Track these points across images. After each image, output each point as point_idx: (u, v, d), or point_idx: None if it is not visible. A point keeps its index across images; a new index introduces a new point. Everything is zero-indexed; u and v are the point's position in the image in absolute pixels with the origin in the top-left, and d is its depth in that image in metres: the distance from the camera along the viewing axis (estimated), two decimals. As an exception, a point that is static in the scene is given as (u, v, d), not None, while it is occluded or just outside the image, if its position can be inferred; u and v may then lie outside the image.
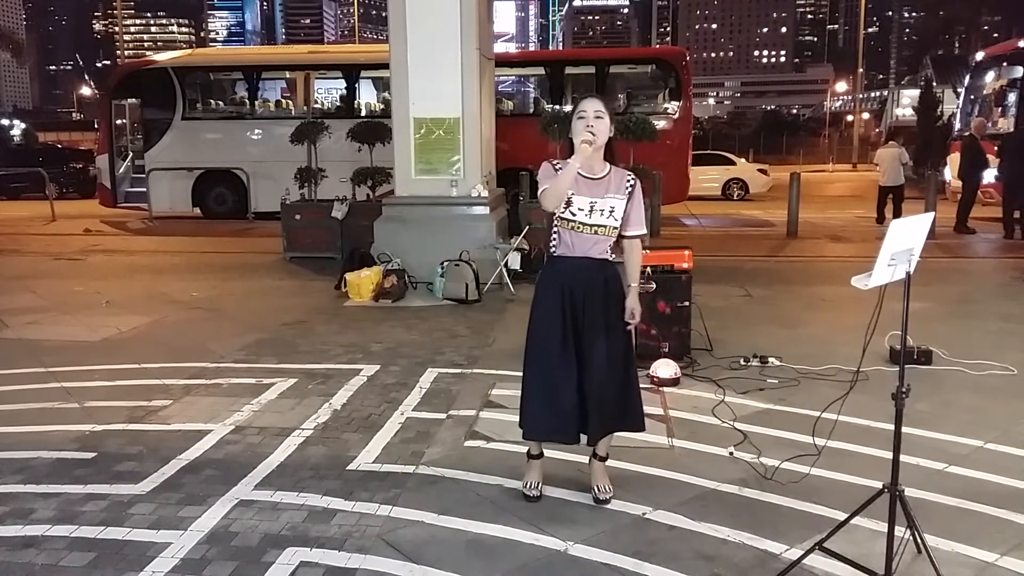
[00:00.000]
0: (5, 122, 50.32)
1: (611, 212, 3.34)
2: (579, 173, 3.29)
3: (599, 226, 3.33)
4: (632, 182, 3.40)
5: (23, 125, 49.72)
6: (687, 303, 5.69)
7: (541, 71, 17.30)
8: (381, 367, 5.62)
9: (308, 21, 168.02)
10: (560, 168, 3.28)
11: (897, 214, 14.15)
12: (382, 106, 16.04)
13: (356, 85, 16.70)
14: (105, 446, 4.25)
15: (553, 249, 3.42)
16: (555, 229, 3.39)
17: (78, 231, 14.37)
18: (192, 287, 8.92)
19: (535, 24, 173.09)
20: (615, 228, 3.36)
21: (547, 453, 3.73)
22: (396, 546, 3.16)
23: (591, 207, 3.32)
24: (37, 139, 41.15)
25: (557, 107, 15.32)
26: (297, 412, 4.75)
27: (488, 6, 9.84)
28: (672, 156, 14.35)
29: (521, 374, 3.47)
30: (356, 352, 6.05)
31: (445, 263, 8.17)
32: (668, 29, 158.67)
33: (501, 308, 7.78)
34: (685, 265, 5.69)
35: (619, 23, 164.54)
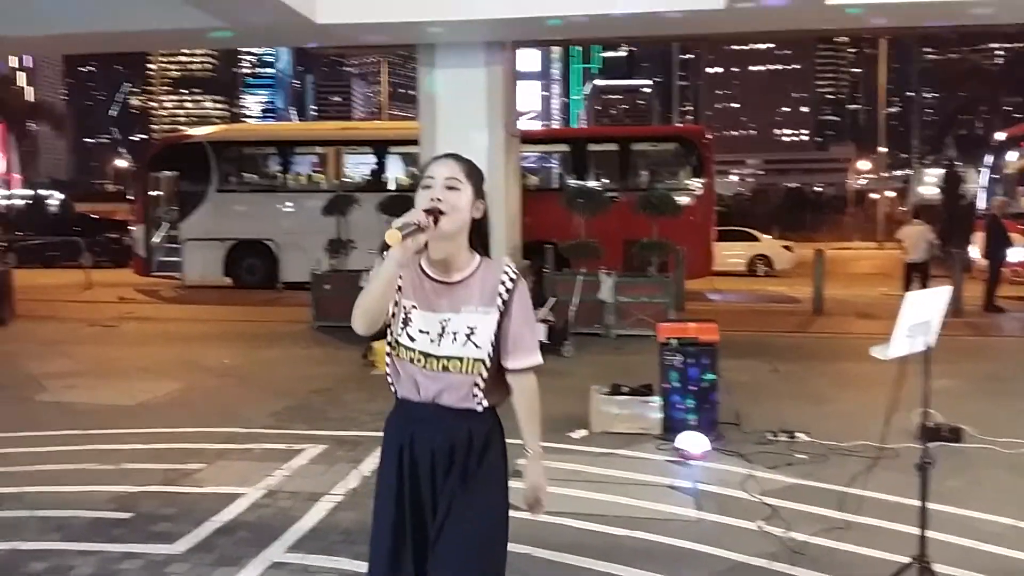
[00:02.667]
0: (43, 192, 51.83)
1: (469, 336, 2.15)
2: (425, 273, 2.19)
3: (450, 359, 2.15)
4: (510, 284, 2.17)
5: (61, 196, 51.22)
6: (713, 376, 5.73)
7: (565, 148, 17.70)
8: (409, 435, 5.67)
9: (338, 99, 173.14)
10: None
11: None
12: (409, 180, 16.45)
13: (385, 160, 17.18)
14: (141, 507, 4.33)
15: (392, 387, 2.28)
16: (388, 358, 2.24)
17: (113, 299, 14.68)
18: (223, 354, 9.08)
19: (559, 102, 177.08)
20: (478, 360, 2.15)
21: (577, 525, 3.74)
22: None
23: (442, 328, 2.16)
24: (74, 209, 42.26)
25: (581, 182, 15.65)
26: (327, 478, 4.81)
27: (513, 86, 10.24)
28: (695, 231, 14.54)
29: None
30: (383, 420, 6.09)
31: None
32: (690, 108, 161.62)
33: (527, 379, 7.82)
34: (711, 338, 5.76)
35: (640, 102, 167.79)
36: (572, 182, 15.78)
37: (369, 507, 4.25)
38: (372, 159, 17.23)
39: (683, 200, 13.30)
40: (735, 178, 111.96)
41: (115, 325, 11.51)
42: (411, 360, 2.18)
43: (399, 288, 2.16)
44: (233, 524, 4.11)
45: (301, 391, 7.17)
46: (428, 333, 2.16)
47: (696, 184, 15.77)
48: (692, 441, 5.26)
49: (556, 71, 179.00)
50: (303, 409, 6.46)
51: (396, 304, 2.17)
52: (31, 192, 50.29)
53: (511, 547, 3.75)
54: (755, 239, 23.22)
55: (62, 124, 44.99)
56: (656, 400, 5.74)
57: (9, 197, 48.38)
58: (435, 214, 2.08)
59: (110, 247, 23.37)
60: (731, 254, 21.35)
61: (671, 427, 5.57)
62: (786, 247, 23.33)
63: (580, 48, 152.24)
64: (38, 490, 4.55)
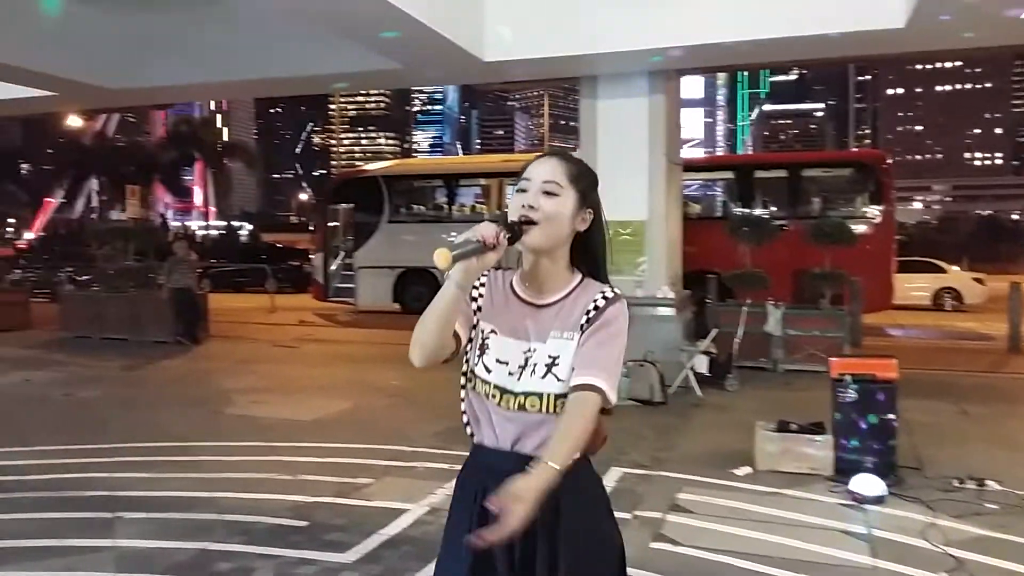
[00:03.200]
0: (235, 223, 56.68)
1: (550, 367, 1.79)
2: (514, 292, 1.87)
3: (528, 395, 1.80)
4: (601, 302, 1.81)
5: (250, 227, 55.86)
6: (892, 416, 5.37)
7: (730, 175, 17.28)
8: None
9: (501, 132, 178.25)
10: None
11: None
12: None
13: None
14: (316, 516, 4.60)
15: (467, 428, 1.93)
16: (462, 392, 1.91)
17: (294, 321, 15.77)
18: (391, 376, 9.50)
19: (723, 129, 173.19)
20: (560, 397, 1.78)
21: (739, 564, 3.60)
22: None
23: (524, 360, 1.81)
24: (261, 239, 45.86)
25: (747, 210, 15.20)
26: (487, 499, 4.90)
27: (677, 114, 10.13)
28: (873, 262, 13.69)
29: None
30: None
31: (629, 363, 8.20)
32: (867, 131, 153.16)
33: (687, 412, 7.67)
34: (890, 375, 5.41)
35: (812, 127, 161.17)
36: (737, 210, 15.37)
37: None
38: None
39: (859, 228, 12.62)
40: (919, 205, 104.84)
41: (296, 346, 12.34)
42: (487, 395, 1.82)
43: (478, 309, 1.86)
44: (398, 538, 4.28)
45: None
46: (507, 364, 1.81)
47: (874, 211, 14.91)
48: (867, 484, 4.94)
49: (721, 97, 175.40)
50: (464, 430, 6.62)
51: (474, 327, 1.86)
52: (224, 223, 55.13)
53: (670, 582, 3.70)
54: (942, 271, 21.57)
55: (253, 161, 48.97)
56: (827, 439, 5.45)
57: (206, 228, 53.27)
58: (520, 225, 1.75)
59: (293, 274, 25.09)
60: (914, 287, 19.94)
61: (843, 468, 5.26)
62: (977, 279, 21.51)
63: (747, 73, 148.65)
64: (226, 496, 4.94)
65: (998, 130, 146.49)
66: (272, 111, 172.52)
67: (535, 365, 1.79)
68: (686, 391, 8.34)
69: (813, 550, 4.16)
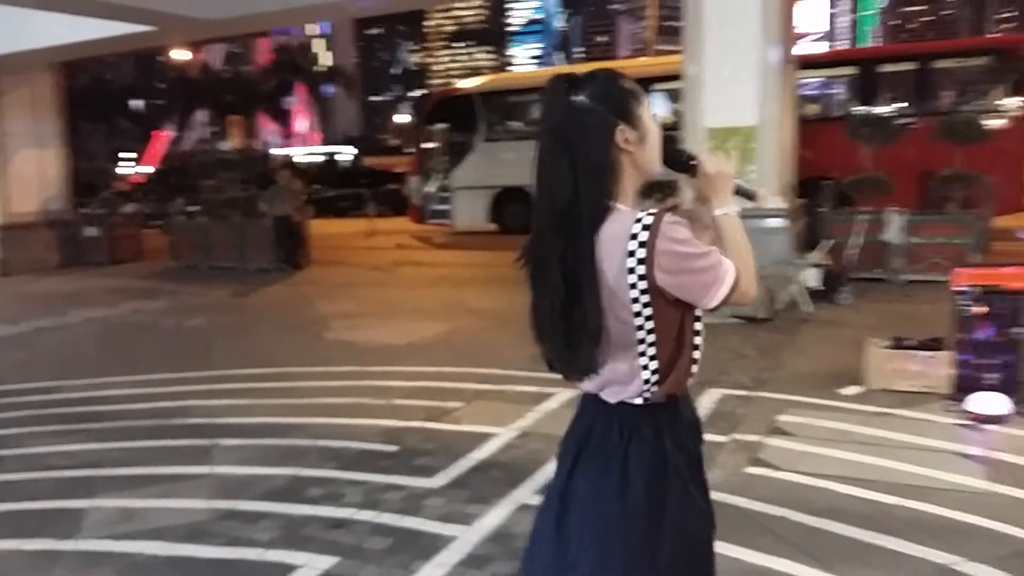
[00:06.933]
0: (335, 148, 57.18)
1: None
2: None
3: None
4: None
5: (353, 151, 56.49)
6: (1019, 330, 4.90)
7: (851, 71, 16.03)
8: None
9: (604, 38, 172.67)
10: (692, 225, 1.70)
11: None
12: (674, 118, 15.90)
13: (647, 99, 16.73)
14: (406, 441, 4.63)
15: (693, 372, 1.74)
16: (695, 341, 1.71)
17: (391, 245, 15.98)
18: (487, 298, 9.47)
19: (847, 20, 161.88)
20: None
21: (841, 489, 3.39)
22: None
23: None
24: (361, 163, 46.40)
25: (869, 108, 14.13)
26: (577, 423, 4.81)
27: (791, 4, 9.34)
28: (1008, 160, 12.53)
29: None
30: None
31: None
32: (1009, 15, 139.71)
33: (795, 329, 7.30)
34: (1018, 285, 4.91)
35: (946, 12, 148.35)
36: (858, 109, 14.31)
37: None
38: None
39: (994, 124, 11.53)
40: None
41: (392, 270, 12.49)
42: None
43: None
44: (487, 463, 4.25)
45: (557, 334, 7.25)
46: None
47: (1013, 105, 13.57)
48: (988, 403, 4.57)
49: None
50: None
51: None
52: (326, 149, 56.03)
53: (763, 508, 3.52)
54: (1083, 166, 19.69)
55: (352, 85, 49.37)
56: (946, 355, 5.04)
57: (309, 154, 54.39)
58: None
59: (391, 197, 25.37)
60: (1055, 185, 18.28)
61: (963, 387, 4.86)
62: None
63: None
64: (319, 421, 5.03)
65: None
66: (369, 32, 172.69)
67: None
68: (795, 307, 7.94)
69: (923, 473, 3.88)
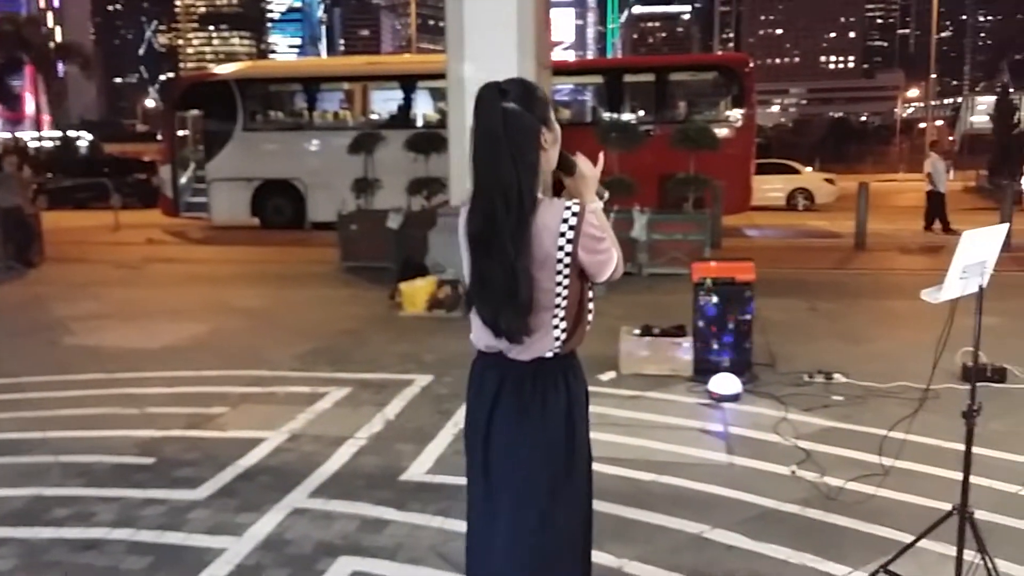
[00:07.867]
0: (73, 134, 51.81)
1: None
2: None
3: None
4: None
5: (90, 137, 51.29)
6: (748, 316, 5.54)
7: (599, 79, 17.19)
8: (434, 378, 5.60)
9: (366, 32, 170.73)
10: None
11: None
12: (438, 116, 16.14)
13: (413, 96, 16.84)
14: (164, 452, 4.31)
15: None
16: (589, 307, 2.15)
17: (141, 240, 14.76)
18: (249, 296, 9.06)
19: (593, 32, 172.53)
20: None
21: (602, 469, 3.63)
22: (448, 558, 3.12)
23: None
24: (103, 150, 42.39)
25: (615, 115, 15.21)
26: (351, 422, 4.75)
27: (546, 15, 9.81)
28: (734, 165, 14.08)
29: None
30: (409, 362, 6.05)
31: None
32: (731, 35, 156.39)
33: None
34: (747, 277, 5.55)
35: (679, 30, 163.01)
36: (606, 116, 15.35)
37: (393, 451, 4.26)
38: (399, 95, 16.89)
39: (722, 132, 12.88)
40: (776, 108, 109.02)
41: (142, 267, 11.55)
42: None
43: None
44: (256, 469, 4.07)
45: (327, 333, 7.11)
46: None
47: (736, 116, 15.25)
48: (724, 383, 5.11)
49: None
50: (328, 351, 6.40)
51: None
52: (60, 134, 50.44)
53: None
54: (795, 172, 22.60)
55: (90, 64, 44.82)
56: (688, 341, 5.58)
57: (39, 139, 48.68)
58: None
59: (139, 188, 23.44)
60: (770, 188, 20.81)
61: (704, 369, 5.42)
62: (828, 180, 22.71)
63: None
64: (62, 435, 4.55)
65: (851, 34, 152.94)
66: (110, 8, 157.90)
67: None
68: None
69: (673, 450, 4.27)
